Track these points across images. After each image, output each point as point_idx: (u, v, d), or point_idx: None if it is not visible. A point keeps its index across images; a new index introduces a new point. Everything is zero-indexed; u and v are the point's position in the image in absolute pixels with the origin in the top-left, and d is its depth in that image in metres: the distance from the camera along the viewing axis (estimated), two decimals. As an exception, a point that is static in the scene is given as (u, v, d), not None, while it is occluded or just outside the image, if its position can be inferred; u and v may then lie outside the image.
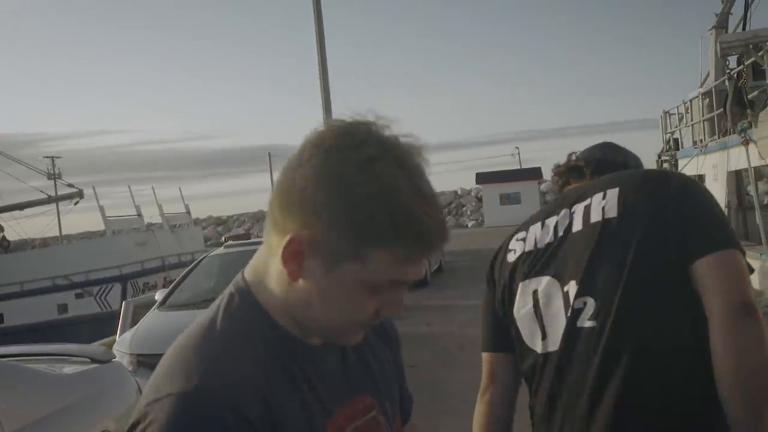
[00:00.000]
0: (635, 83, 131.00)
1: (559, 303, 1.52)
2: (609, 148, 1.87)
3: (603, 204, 1.54)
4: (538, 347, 1.55)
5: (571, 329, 1.47)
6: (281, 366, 0.96)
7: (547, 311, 1.54)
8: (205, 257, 8.53)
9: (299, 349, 0.99)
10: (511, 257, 1.66)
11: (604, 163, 1.76)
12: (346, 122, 0.94)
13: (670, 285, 1.42)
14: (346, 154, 0.90)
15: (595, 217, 1.54)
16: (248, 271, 1.04)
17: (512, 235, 1.73)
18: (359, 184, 0.88)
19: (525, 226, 1.70)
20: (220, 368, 0.91)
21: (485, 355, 1.73)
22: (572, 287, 1.50)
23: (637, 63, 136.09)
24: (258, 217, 60.69)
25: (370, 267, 0.90)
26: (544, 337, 1.54)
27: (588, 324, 1.46)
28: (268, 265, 0.99)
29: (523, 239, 1.66)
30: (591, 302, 1.46)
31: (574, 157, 1.83)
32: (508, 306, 1.63)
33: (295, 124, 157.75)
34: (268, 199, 0.96)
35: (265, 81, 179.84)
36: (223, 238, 22.64)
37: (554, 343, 1.51)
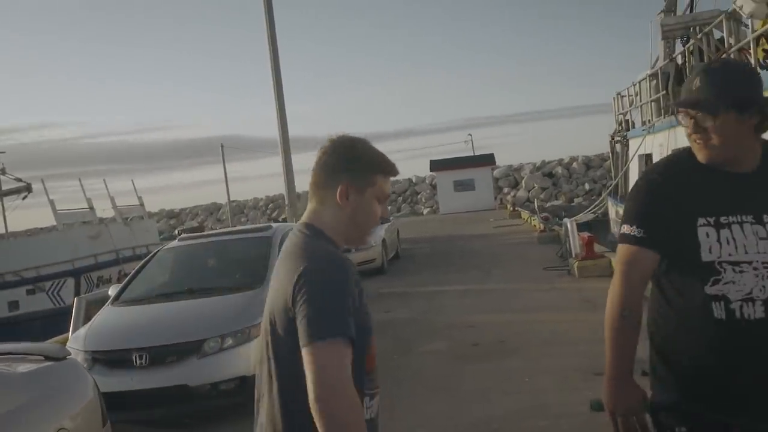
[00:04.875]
0: (589, 68, 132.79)
1: None
2: None
3: None
4: None
5: None
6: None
7: None
8: (159, 251, 8.23)
9: (354, 267, 1.74)
10: None
11: None
12: (333, 137, 1.85)
13: None
14: (345, 145, 1.84)
15: None
16: (304, 219, 1.82)
17: None
18: (361, 150, 1.83)
19: None
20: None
21: None
22: None
23: (590, 48, 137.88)
24: (211, 210, 58.83)
25: (377, 187, 1.82)
26: None
27: None
28: (320, 210, 1.81)
29: None
30: None
31: None
32: None
33: (248, 116, 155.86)
34: (312, 175, 1.82)
35: (218, 73, 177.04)
36: (176, 231, 22.25)
37: None
